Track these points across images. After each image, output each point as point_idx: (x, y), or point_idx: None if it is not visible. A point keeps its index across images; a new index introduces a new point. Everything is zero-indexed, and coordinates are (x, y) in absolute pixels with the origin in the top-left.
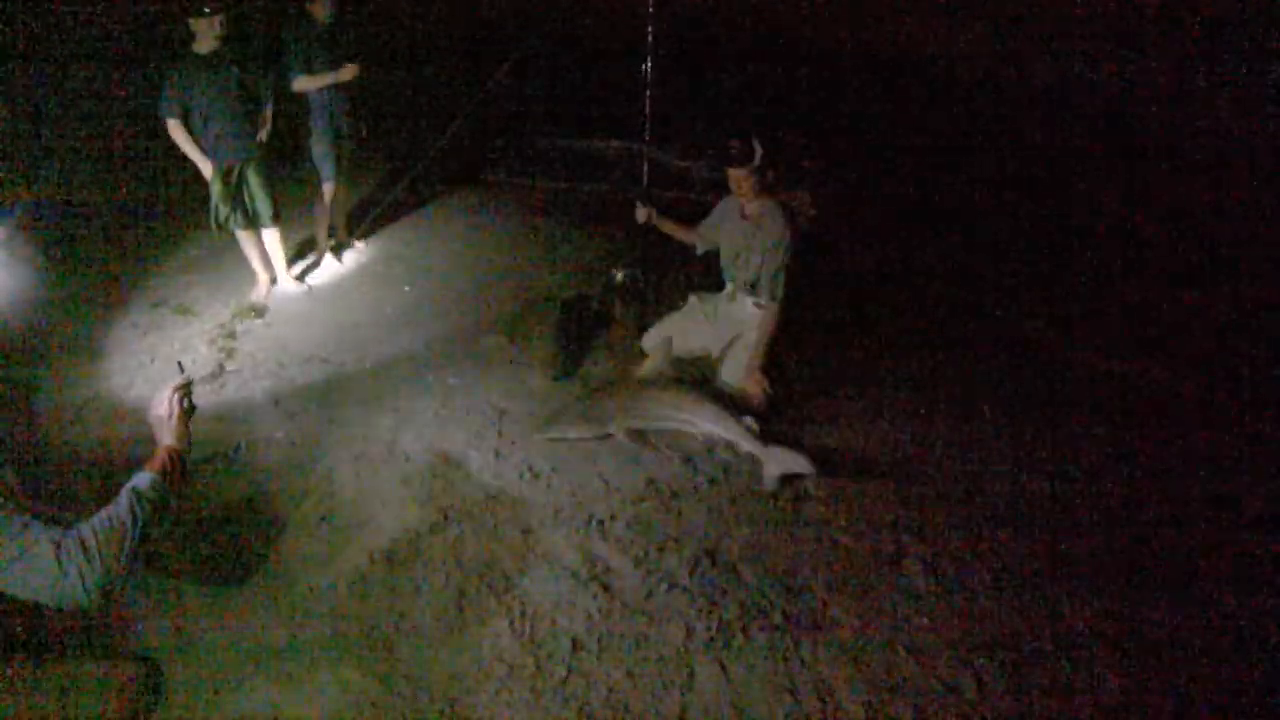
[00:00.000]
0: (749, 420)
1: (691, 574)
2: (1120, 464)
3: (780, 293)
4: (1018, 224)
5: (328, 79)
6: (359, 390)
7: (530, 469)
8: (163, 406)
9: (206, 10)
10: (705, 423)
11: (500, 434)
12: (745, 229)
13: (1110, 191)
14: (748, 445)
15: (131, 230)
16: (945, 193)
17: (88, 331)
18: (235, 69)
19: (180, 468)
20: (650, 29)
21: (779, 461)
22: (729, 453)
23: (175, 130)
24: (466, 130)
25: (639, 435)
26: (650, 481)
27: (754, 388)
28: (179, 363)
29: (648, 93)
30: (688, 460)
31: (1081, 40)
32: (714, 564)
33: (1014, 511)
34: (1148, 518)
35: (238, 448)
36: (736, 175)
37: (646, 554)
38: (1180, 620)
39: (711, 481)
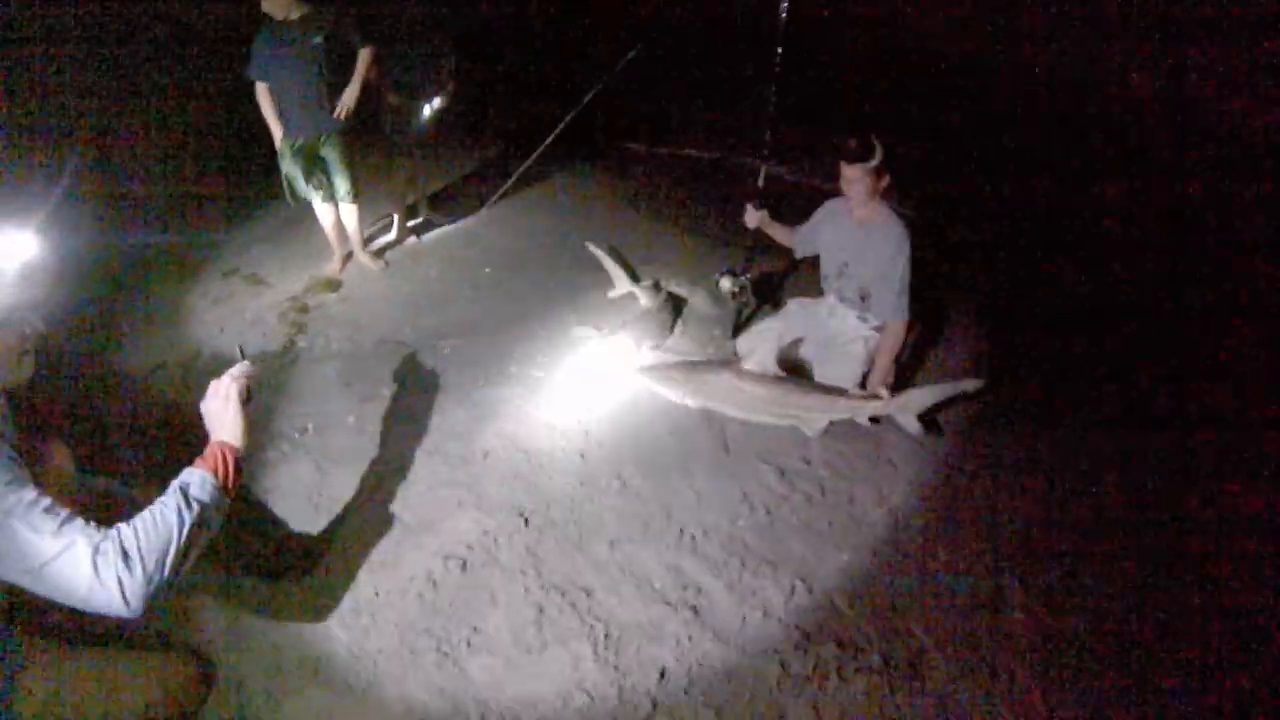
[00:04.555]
0: (856, 391)
1: (786, 603)
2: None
3: (906, 311)
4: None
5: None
6: (436, 378)
7: (619, 476)
8: (217, 397)
9: None
10: (816, 411)
11: (587, 435)
12: (855, 235)
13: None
14: (867, 411)
15: (205, 197)
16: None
17: (157, 299)
18: (316, 41)
19: (235, 466)
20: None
21: (913, 403)
22: (827, 469)
23: (260, 94)
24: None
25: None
26: (745, 496)
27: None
28: (240, 347)
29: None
30: (783, 474)
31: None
32: (810, 592)
33: (1119, 560)
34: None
35: (305, 429)
36: (850, 174)
37: (740, 578)
38: None
39: (808, 499)
